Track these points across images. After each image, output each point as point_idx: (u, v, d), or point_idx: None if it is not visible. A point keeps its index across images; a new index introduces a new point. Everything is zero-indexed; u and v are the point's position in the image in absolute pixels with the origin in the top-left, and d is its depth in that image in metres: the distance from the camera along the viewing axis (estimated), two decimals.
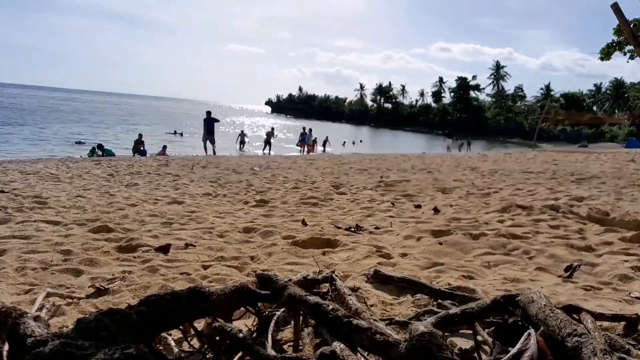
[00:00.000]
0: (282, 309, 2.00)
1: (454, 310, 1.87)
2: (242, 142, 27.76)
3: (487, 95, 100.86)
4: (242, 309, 2.14)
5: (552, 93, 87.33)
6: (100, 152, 18.95)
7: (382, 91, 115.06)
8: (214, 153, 19.97)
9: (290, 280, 2.40)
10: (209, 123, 20.33)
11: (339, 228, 5.16)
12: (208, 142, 20.21)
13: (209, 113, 20.85)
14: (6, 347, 1.45)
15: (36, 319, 1.53)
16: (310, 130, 28.87)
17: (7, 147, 20.93)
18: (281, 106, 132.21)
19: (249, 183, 9.24)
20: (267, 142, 27.28)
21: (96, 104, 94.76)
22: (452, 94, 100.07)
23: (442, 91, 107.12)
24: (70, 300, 2.88)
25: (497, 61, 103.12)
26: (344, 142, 37.85)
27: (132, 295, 3.05)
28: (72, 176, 9.51)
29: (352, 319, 1.61)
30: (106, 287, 3.12)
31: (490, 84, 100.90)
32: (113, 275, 3.42)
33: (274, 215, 5.98)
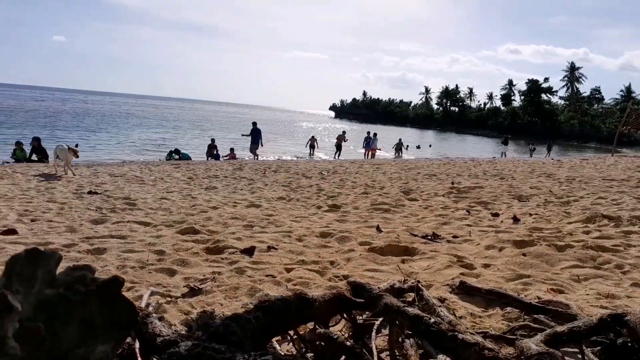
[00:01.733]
0: (381, 319, 2.03)
1: (561, 328, 1.82)
2: (312, 147, 28.03)
3: (560, 98, 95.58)
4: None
5: (634, 95, 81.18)
6: (177, 156, 19.96)
7: (449, 94, 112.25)
8: (256, 158, 21.19)
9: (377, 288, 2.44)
10: (255, 133, 21.80)
11: (415, 236, 5.12)
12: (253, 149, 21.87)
13: (254, 124, 22.31)
14: (137, 344, 1.59)
15: (161, 319, 1.67)
16: (375, 134, 28.70)
17: (96, 151, 22.61)
18: (345, 111, 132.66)
19: (319, 188, 9.37)
20: (338, 147, 27.44)
21: (169, 109, 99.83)
22: (522, 97, 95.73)
23: (512, 94, 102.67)
24: (169, 299, 3.09)
25: (572, 62, 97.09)
26: (407, 145, 37.23)
27: (223, 296, 3.22)
28: (155, 179, 10.11)
29: (456, 333, 1.62)
30: (199, 287, 3.31)
31: (563, 86, 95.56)
32: (204, 275, 3.62)
33: (347, 221, 6.04)
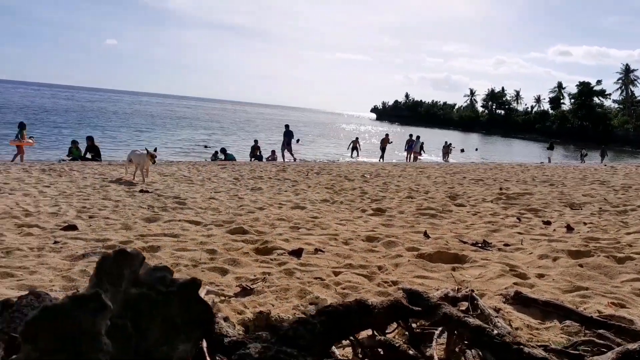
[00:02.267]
0: (440, 328, 2.01)
1: (633, 345, 1.74)
2: (355, 149, 27.94)
3: (614, 101, 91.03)
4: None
5: None
6: (222, 157, 20.41)
7: (494, 97, 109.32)
8: (294, 159, 21.69)
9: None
10: (288, 135, 22.44)
11: (464, 243, 5.02)
12: (286, 151, 22.34)
13: (287, 126, 23.05)
14: (204, 344, 1.64)
15: (225, 319, 1.72)
16: (418, 137, 28.31)
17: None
18: (387, 113, 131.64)
19: (362, 191, 9.34)
20: (383, 149, 27.28)
21: (213, 111, 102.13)
22: (572, 100, 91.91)
23: (561, 97, 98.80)
24: (223, 298, 3.16)
25: (627, 64, 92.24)
26: (452, 148, 36.45)
27: (274, 297, 3.26)
28: (202, 179, 10.36)
29: (522, 346, 1.58)
30: (251, 287, 3.38)
31: (617, 89, 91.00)
32: (254, 275, 3.68)
33: (393, 225, 5.99)
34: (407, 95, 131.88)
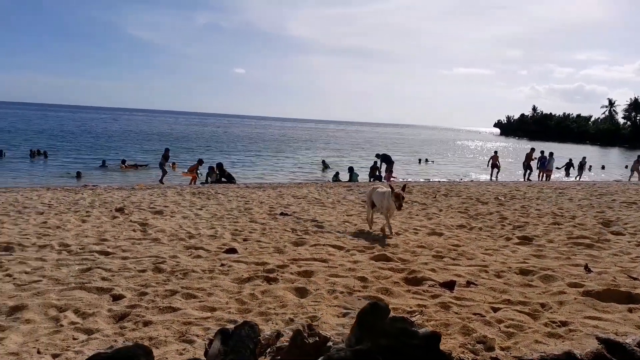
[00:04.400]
0: None
1: None
2: (495, 167, 26.17)
3: None
4: None
5: None
6: (334, 177, 21.18)
7: (639, 107, 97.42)
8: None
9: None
10: (387, 161, 21.98)
11: (635, 279, 4.51)
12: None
13: (382, 155, 22.65)
14: None
15: None
16: (551, 154, 26.13)
17: (267, 171, 24.94)
18: (512, 127, 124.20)
19: (501, 216, 8.87)
20: (494, 165, 25.71)
21: (334, 132, 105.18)
22: None
23: None
24: None
25: None
26: (590, 166, 33.04)
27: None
28: (333, 202, 10.69)
29: None
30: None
31: None
32: (410, 307, 3.68)
33: (546, 257, 5.59)
34: (534, 108, 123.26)
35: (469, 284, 4.33)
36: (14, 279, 4.25)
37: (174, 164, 23.01)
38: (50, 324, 3.29)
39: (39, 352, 2.84)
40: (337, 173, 22.18)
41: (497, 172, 25.73)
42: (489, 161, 26.39)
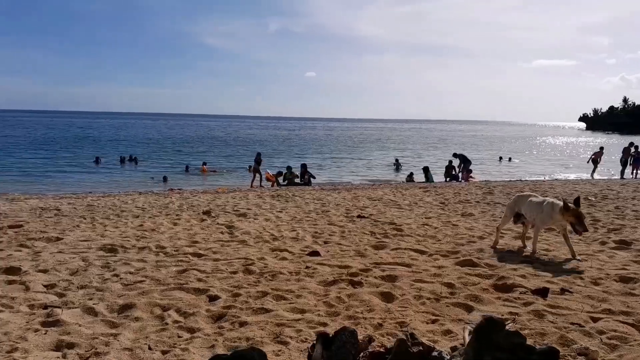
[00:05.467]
0: None
1: None
2: (596, 162, 24.33)
3: None
4: None
5: None
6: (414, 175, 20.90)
7: None
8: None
9: None
10: (464, 160, 21.57)
11: None
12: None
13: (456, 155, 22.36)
14: None
15: None
16: None
17: (335, 173, 25.12)
18: (599, 121, 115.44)
19: (593, 218, 8.31)
20: (594, 161, 23.92)
21: (406, 131, 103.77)
22: None
23: None
24: None
25: None
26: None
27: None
28: (409, 203, 10.58)
29: None
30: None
31: None
32: (502, 315, 3.58)
33: None
34: (625, 100, 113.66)
35: (563, 291, 4.13)
36: (121, 279, 4.65)
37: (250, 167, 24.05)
38: (156, 322, 3.57)
39: (150, 348, 3.09)
40: (411, 173, 21.85)
41: (594, 170, 24.00)
42: (591, 157, 24.63)
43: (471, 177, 21.08)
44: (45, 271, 4.87)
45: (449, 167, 22.85)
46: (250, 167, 23.36)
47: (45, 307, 3.85)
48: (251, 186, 17.92)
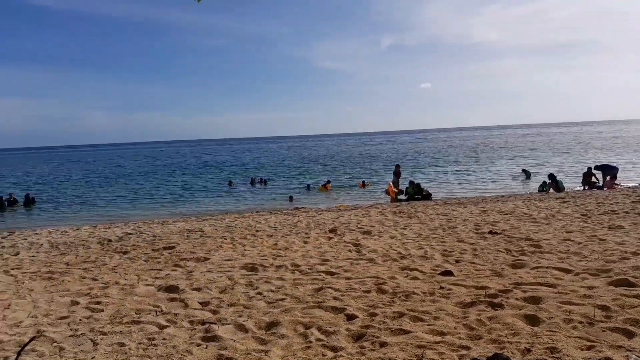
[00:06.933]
0: None
1: None
2: None
3: None
4: None
5: None
6: (548, 181, 19.30)
7: None
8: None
9: None
10: (607, 169, 19.72)
11: None
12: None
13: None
14: None
15: None
16: None
17: (472, 188, 24.09)
18: None
19: None
20: None
21: (528, 137, 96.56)
22: None
23: None
24: None
25: None
26: None
27: None
28: (546, 216, 9.82)
29: None
30: None
31: None
32: None
33: None
34: None
35: None
36: (264, 296, 5.00)
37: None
38: (301, 339, 3.78)
39: None
40: (544, 183, 20.24)
41: None
42: None
43: (616, 184, 18.94)
44: (198, 289, 5.42)
45: (588, 174, 20.80)
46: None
47: (203, 323, 4.30)
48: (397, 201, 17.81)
